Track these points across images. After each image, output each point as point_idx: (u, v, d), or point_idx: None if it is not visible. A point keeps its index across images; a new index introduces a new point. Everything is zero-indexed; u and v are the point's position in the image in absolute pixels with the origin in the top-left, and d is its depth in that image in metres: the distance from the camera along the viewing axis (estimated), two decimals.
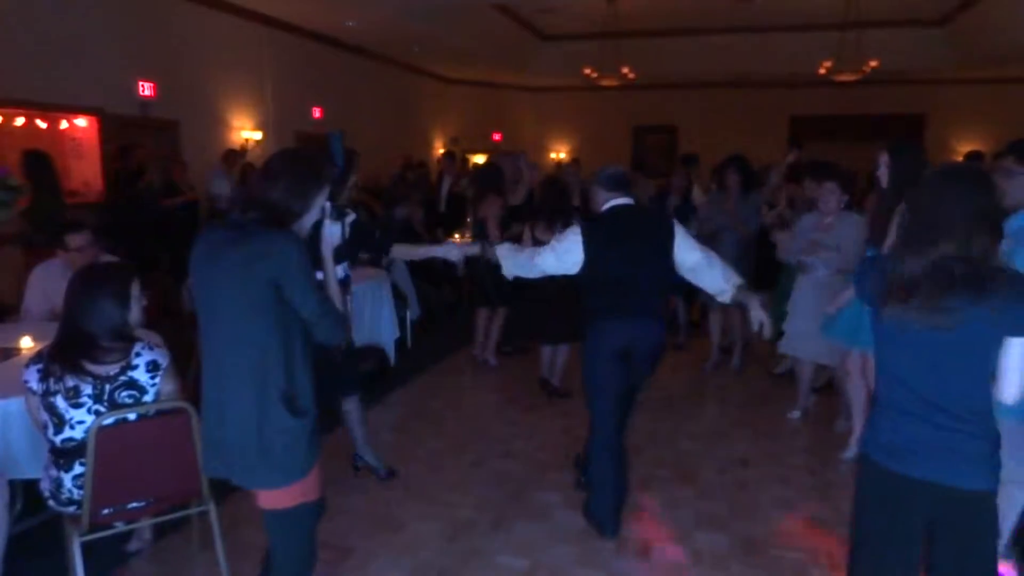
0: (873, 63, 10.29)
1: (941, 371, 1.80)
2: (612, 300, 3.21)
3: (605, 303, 3.22)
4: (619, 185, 3.32)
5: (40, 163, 5.58)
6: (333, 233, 2.20)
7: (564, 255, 3.21)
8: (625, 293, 3.19)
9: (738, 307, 5.72)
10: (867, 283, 1.93)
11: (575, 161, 10.45)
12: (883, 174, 3.59)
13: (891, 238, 1.86)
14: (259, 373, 1.96)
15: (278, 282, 1.93)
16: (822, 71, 10.71)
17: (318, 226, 2.21)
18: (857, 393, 4.02)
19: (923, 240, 1.77)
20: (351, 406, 3.76)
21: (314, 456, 2.08)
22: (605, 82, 11.91)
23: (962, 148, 11.63)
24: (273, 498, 2.06)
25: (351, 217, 2.24)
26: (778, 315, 5.64)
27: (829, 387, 5.06)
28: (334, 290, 2.18)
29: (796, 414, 4.81)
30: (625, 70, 11.41)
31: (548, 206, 4.93)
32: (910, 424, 1.84)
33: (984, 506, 1.83)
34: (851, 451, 4.10)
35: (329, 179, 2.13)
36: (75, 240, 3.75)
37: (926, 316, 1.75)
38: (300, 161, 2.13)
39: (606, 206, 3.30)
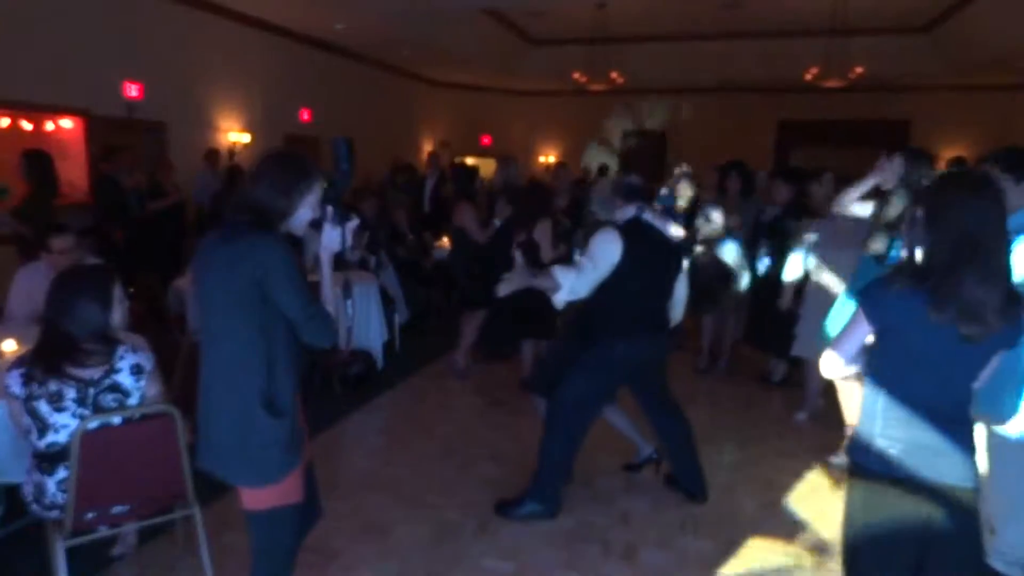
0: (859, 69, 10.38)
1: (945, 379, 1.84)
2: (642, 313, 3.27)
3: (635, 316, 3.27)
4: (638, 195, 3.36)
5: (41, 162, 5.59)
6: (333, 238, 2.19)
7: (604, 261, 3.18)
8: (653, 306, 3.29)
9: (734, 309, 5.80)
10: (883, 301, 1.86)
11: (562, 164, 10.44)
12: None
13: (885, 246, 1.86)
14: (240, 371, 2.00)
15: (261, 282, 1.96)
16: (809, 77, 10.80)
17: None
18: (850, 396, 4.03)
19: (976, 258, 1.75)
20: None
21: (293, 460, 2.09)
22: (594, 87, 11.93)
23: (946, 154, 11.73)
24: (251, 498, 2.10)
25: (354, 222, 2.22)
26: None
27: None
28: (328, 294, 2.18)
29: (802, 416, 4.81)
30: (614, 75, 11.44)
31: (529, 210, 4.92)
32: (908, 431, 1.86)
33: (974, 504, 1.88)
34: (840, 457, 4.12)
35: (319, 178, 2.13)
36: (59, 242, 3.72)
37: (977, 330, 1.75)
38: (283, 160, 2.14)
39: (632, 215, 3.30)
